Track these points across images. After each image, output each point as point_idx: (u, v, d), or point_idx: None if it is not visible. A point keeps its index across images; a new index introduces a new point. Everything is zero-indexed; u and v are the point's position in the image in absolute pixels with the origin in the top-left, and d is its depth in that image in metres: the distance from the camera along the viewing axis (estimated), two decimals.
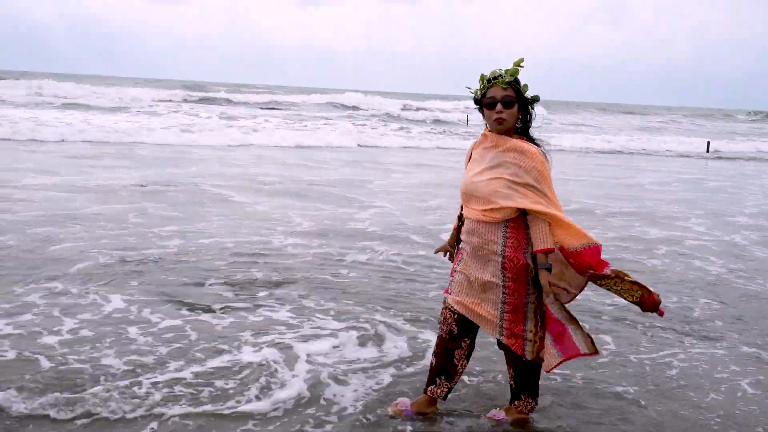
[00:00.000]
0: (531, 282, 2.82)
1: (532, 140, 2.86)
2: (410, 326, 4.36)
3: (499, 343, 2.96)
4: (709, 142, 25.59)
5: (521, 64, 2.81)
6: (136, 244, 6.09)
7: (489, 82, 2.81)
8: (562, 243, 2.75)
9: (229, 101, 35.88)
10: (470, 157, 2.96)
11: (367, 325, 4.30)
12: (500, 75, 2.79)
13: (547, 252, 2.73)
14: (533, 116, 2.89)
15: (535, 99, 2.85)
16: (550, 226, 2.74)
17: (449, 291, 2.99)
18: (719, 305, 5.14)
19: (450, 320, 2.96)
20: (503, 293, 2.81)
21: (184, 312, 4.43)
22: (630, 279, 2.73)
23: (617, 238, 7.43)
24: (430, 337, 4.13)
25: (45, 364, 3.50)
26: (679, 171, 16.84)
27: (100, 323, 4.14)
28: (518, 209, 2.75)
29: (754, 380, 3.77)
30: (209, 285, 5.03)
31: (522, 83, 2.82)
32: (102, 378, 3.38)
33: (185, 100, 34.44)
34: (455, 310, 2.93)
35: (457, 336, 2.96)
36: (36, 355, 3.59)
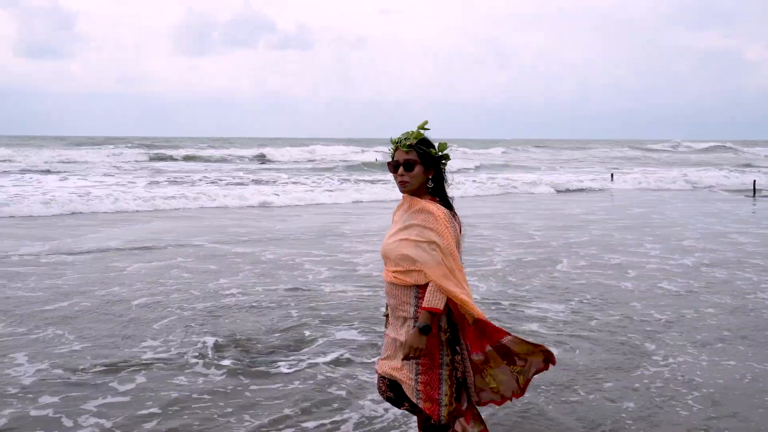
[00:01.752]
0: (445, 344, 2.80)
1: (444, 200, 2.86)
2: None
3: (412, 406, 2.92)
4: (612, 174, 27.80)
5: (425, 126, 2.86)
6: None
7: (395, 146, 2.85)
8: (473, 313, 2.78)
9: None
10: (393, 220, 2.98)
11: None
12: (403, 139, 2.83)
13: (432, 311, 2.69)
14: (445, 175, 2.90)
15: (445, 158, 2.88)
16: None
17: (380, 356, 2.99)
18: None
19: (383, 388, 2.99)
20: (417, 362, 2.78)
21: None
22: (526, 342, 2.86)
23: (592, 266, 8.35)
24: None
25: None
26: (594, 200, 18.43)
27: None
28: (424, 273, 2.73)
29: None
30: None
31: (440, 143, 2.89)
32: None
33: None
34: (382, 375, 2.94)
35: (396, 402, 2.98)
36: None
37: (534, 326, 5.63)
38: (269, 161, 38.17)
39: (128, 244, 9.80)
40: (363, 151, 41.07)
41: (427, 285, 2.73)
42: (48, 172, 26.11)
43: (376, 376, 3.03)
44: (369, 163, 33.65)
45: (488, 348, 2.83)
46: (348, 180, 24.23)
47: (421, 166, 2.81)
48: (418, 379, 2.80)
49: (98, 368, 4.60)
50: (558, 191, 22.24)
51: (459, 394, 2.85)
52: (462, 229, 2.89)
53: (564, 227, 12.24)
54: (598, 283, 7.33)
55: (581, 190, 23.07)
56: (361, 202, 17.88)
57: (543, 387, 4.27)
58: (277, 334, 5.41)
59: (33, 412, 3.89)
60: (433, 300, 2.70)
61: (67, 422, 3.78)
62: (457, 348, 2.83)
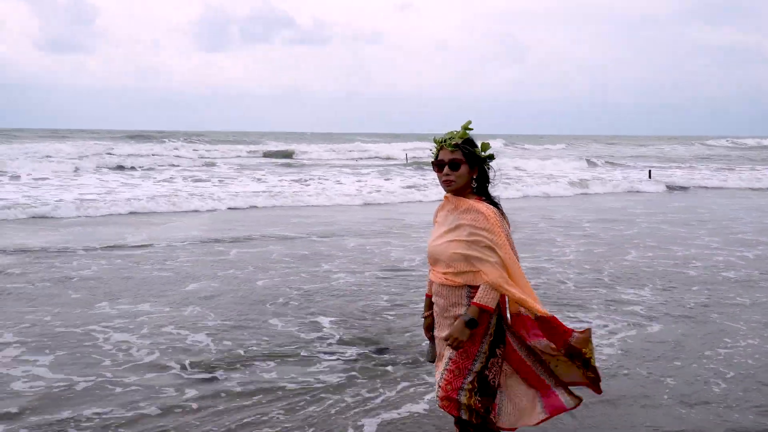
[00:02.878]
0: (487, 346, 2.80)
1: (490, 199, 2.88)
2: None
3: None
4: (650, 170, 27.93)
5: (469, 127, 2.87)
6: None
7: (439, 145, 2.89)
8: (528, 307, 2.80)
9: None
10: (435, 220, 3.00)
11: None
12: (448, 138, 2.85)
13: (483, 309, 2.72)
14: (490, 175, 2.91)
15: (490, 157, 2.89)
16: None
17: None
18: None
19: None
20: (455, 348, 2.78)
21: None
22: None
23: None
24: None
25: None
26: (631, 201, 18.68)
27: None
28: (478, 272, 2.75)
29: None
30: None
31: (483, 143, 2.91)
32: None
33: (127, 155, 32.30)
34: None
35: None
36: None
37: None
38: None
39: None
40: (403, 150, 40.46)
41: (478, 285, 2.75)
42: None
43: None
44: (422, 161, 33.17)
45: (559, 350, 2.83)
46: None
47: (466, 165, 2.83)
48: (447, 366, 2.81)
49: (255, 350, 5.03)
50: (669, 188, 21.53)
51: (484, 392, 2.80)
52: (510, 226, 2.87)
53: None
54: None
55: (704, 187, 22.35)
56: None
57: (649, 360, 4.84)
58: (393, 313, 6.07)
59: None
60: (485, 297, 2.72)
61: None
62: (497, 352, 2.84)
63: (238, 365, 4.70)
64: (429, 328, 3.06)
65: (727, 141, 70.86)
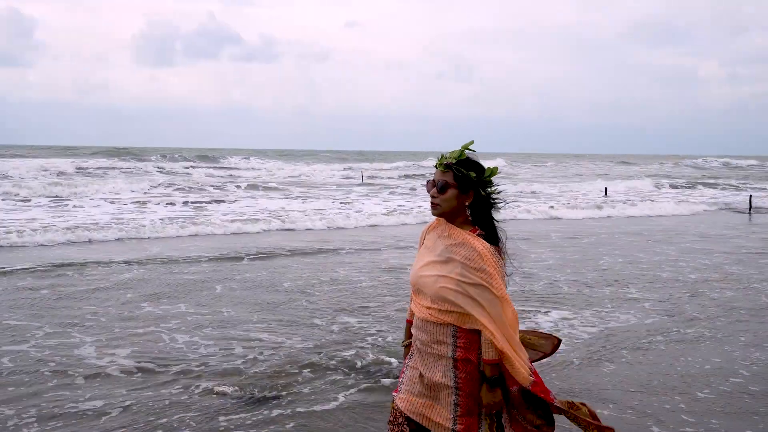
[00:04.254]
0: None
1: (491, 231, 2.54)
2: None
3: None
4: (606, 188, 28.33)
5: (469, 147, 2.57)
6: None
7: (436, 164, 2.60)
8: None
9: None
10: (423, 242, 2.70)
11: None
12: (444, 157, 2.56)
13: (492, 363, 2.46)
14: (490, 202, 2.56)
15: (487, 183, 2.55)
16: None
17: (398, 389, 2.70)
18: None
19: (401, 421, 2.65)
20: (456, 395, 2.51)
21: None
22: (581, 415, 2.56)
23: None
24: None
25: None
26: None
27: None
28: (468, 315, 2.46)
29: None
30: None
31: (490, 167, 2.58)
32: None
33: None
34: (404, 412, 2.62)
35: None
36: None
37: None
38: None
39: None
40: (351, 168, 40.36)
41: (466, 327, 2.47)
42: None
43: (391, 408, 2.69)
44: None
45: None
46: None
47: (455, 189, 2.51)
48: (457, 421, 2.52)
49: None
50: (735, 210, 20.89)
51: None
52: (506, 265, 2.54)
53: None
54: None
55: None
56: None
57: None
58: None
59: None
60: (491, 352, 2.45)
61: None
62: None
63: None
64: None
65: (716, 161, 71.06)
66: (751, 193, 23.43)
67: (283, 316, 6.60)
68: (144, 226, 13.11)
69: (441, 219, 2.60)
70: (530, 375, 2.49)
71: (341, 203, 20.26)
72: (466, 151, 2.57)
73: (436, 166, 2.59)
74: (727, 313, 6.94)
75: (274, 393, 4.61)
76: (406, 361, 2.71)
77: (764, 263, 10.26)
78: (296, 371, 5.02)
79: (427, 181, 2.60)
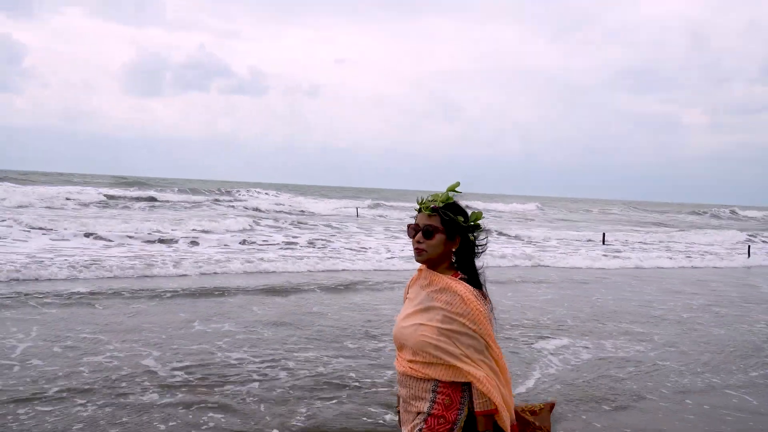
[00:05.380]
0: None
1: (473, 276, 2.40)
2: None
3: None
4: (604, 234, 28.51)
5: (456, 189, 2.42)
6: None
7: (419, 207, 2.44)
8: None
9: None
10: (407, 296, 2.54)
11: None
12: (428, 200, 2.41)
13: (487, 413, 2.28)
14: (477, 247, 2.43)
15: (475, 228, 2.42)
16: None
17: None
18: None
19: None
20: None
21: None
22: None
23: None
24: None
25: None
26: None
27: None
28: (451, 366, 2.30)
29: None
30: None
31: (474, 212, 2.44)
32: None
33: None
34: None
35: None
36: None
37: None
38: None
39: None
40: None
41: (448, 380, 2.30)
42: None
43: None
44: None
45: None
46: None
47: (443, 234, 2.37)
48: None
49: None
50: None
51: None
52: (493, 311, 2.40)
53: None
54: None
55: None
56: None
57: None
58: None
59: None
60: (484, 402, 2.28)
61: None
62: None
63: None
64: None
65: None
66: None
67: None
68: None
69: (425, 269, 2.44)
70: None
71: None
72: (451, 193, 2.42)
73: (418, 210, 2.42)
74: None
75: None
76: (400, 427, 2.50)
77: None
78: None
79: (409, 226, 2.44)
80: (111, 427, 4.47)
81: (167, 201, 34.77)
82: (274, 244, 17.39)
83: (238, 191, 47.85)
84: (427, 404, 2.33)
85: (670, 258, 19.59)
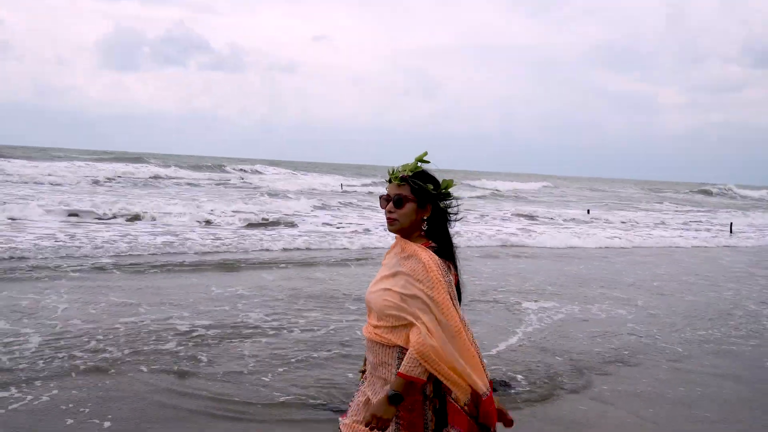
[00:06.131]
0: (432, 415, 2.35)
1: (445, 245, 2.44)
2: None
3: None
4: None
5: (424, 159, 2.47)
6: None
7: (389, 178, 2.48)
8: (472, 385, 2.34)
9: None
10: (383, 263, 2.56)
11: None
12: (396, 171, 2.45)
13: (409, 380, 2.27)
14: (446, 216, 2.47)
15: (446, 195, 2.46)
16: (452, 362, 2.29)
17: (346, 414, 2.57)
18: None
19: None
20: (397, 424, 2.34)
21: None
22: None
23: None
24: None
25: None
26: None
27: None
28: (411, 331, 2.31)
29: None
30: None
31: (445, 180, 2.48)
32: None
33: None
34: None
35: None
36: None
37: None
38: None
39: None
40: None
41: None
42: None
43: None
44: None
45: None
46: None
47: (413, 203, 2.41)
48: None
49: None
50: None
51: None
52: (460, 281, 2.45)
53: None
54: None
55: None
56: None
57: None
58: None
59: None
60: (411, 366, 2.27)
61: None
62: (448, 421, 2.37)
63: None
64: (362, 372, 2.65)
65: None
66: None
67: None
68: None
69: (399, 238, 2.48)
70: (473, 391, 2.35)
71: None
72: (420, 163, 2.48)
73: (389, 180, 2.48)
74: None
75: None
76: (360, 386, 2.59)
77: None
78: None
79: (381, 197, 2.49)
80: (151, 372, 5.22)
81: (180, 178, 34.40)
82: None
83: (241, 169, 46.88)
84: (394, 370, 2.34)
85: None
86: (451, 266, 2.42)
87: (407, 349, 2.29)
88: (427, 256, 2.34)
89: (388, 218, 2.43)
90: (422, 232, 2.46)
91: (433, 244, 2.43)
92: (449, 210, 2.49)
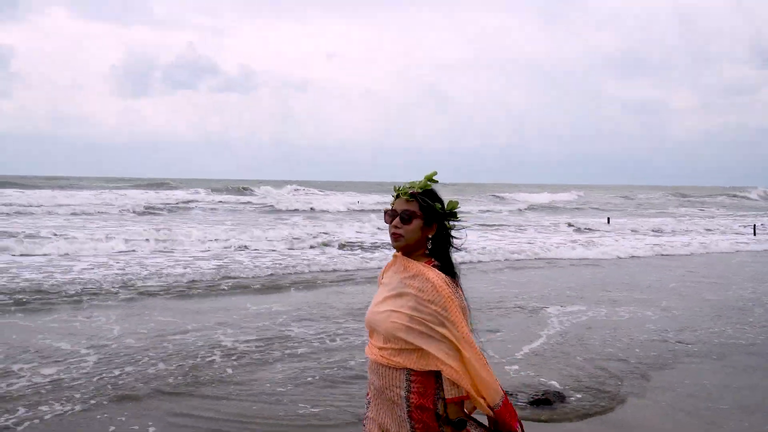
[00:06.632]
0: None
1: (447, 264, 2.41)
2: None
3: None
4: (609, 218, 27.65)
5: (433, 178, 2.47)
6: None
7: (396, 193, 2.47)
8: (486, 398, 2.34)
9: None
10: (381, 282, 2.54)
11: None
12: (406, 186, 2.44)
13: (458, 400, 2.29)
14: (453, 239, 2.46)
15: (452, 216, 2.46)
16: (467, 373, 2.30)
17: None
18: None
19: None
20: None
21: None
22: None
23: None
24: None
25: None
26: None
27: None
28: (422, 355, 2.30)
29: None
30: None
31: (450, 201, 2.50)
32: None
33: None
34: None
35: None
36: None
37: None
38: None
39: None
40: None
41: (420, 369, 2.30)
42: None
43: None
44: None
45: None
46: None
47: (420, 220, 2.39)
48: None
49: None
50: None
51: None
52: (465, 299, 2.39)
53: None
54: None
55: None
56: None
57: None
58: None
59: None
60: (454, 390, 2.28)
61: None
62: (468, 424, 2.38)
63: None
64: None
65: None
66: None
67: None
68: None
69: (399, 255, 2.45)
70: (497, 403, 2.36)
71: None
72: (429, 182, 2.47)
73: (396, 196, 2.46)
74: None
75: None
76: (366, 412, 2.52)
77: None
78: None
79: (385, 211, 2.47)
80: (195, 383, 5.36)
81: (225, 202, 33.87)
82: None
83: (262, 189, 45.96)
84: (403, 392, 2.32)
85: None
86: (458, 285, 2.39)
87: (415, 371, 2.30)
88: (434, 274, 2.32)
89: (393, 233, 2.41)
90: (426, 251, 2.44)
91: (436, 263, 2.40)
92: (453, 232, 2.47)
